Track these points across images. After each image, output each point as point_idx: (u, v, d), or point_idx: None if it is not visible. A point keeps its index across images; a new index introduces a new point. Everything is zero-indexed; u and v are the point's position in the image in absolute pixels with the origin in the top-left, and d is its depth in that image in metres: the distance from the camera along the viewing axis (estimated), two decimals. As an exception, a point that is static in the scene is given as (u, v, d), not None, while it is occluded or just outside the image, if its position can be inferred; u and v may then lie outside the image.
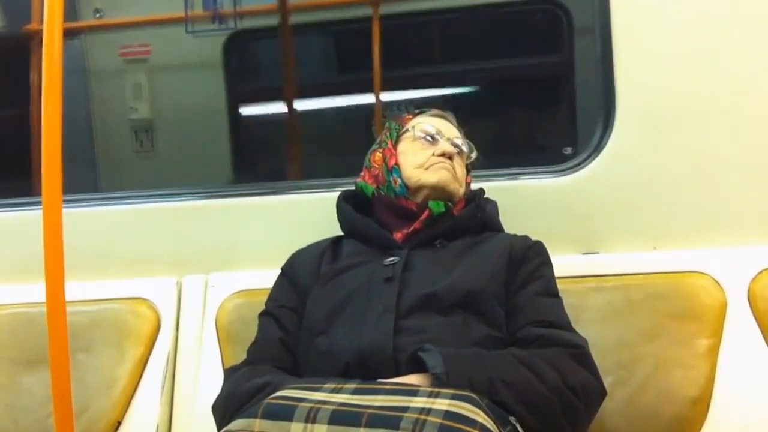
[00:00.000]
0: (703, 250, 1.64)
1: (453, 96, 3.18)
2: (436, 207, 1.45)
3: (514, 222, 1.58)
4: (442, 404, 1.00)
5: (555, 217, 1.72)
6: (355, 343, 1.29)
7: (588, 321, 1.54)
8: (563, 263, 1.54)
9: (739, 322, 1.53)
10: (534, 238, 1.49)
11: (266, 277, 1.59)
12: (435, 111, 1.60)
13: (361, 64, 2.89)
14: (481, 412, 1.02)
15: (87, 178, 3.10)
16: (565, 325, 1.35)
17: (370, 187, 1.52)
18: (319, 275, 1.46)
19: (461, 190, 1.53)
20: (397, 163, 1.50)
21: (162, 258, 1.89)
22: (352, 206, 1.55)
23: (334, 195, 1.59)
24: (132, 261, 1.90)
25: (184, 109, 3.09)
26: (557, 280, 1.44)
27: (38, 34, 2.73)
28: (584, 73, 2.69)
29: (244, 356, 1.45)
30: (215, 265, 1.85)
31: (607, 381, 1.31)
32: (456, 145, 1.53)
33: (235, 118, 3.20)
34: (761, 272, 1.56)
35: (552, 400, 1.20)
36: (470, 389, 1.11)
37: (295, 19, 2.98)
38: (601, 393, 1.29)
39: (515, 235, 1.51)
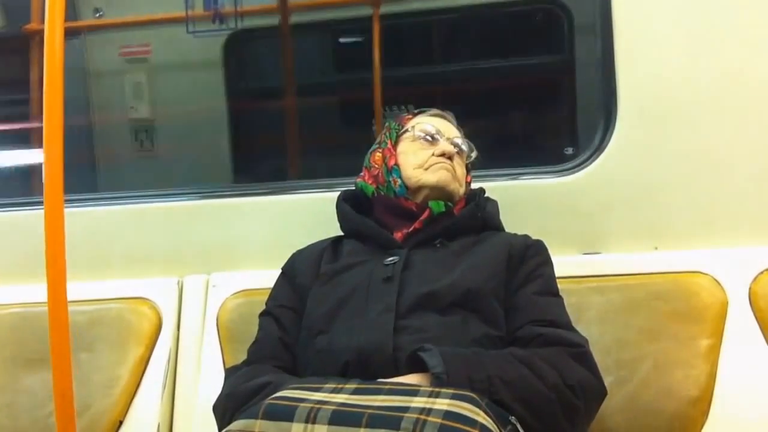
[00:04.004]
0: (704, 250, 1.64)
1: (453, 96, 3.18)
2: (437, 207, 1.45)
3: (514, 222, 1.58)
4: (443, 404, 1.01)
5: (556, 217, 1.72)
6: (355, 342, 1.29)
7: (589, 321, 1.55)
8: (564, 263, 1.54)
9: (740, 322, 1.53)
10: (534, 237, 1.49)
11: (267, 277, 1.59)
12: (435, 111, 1.59)
13: (361, 64, 2.89)
14: (481, 412, 1.02)
15: (87, 178, 3.10)
16: (565, 325, 1.35)
17: (370, 187, 1.52)
18: (319, 275, 1.46)
19: (461, 190, 1.53)
20: (396, 163, 1.50)
21: (163, 258, 1.89)
22: (352, 206, 1.55)
23: (334, 195, 1.59)
24: (133, 261, 1.90)
25: (184, 108, 3.09)
26: (558, 280, 1.44)
27: (38, 33, 2.73)
28: (585, 73, 2.69)
29: (244, 356, 1.45)
30: (216, 265, 1.85)
31: (607, 380, 1.31)
32: (456, 145, 1.53)
33: (235, 118, 3.20)
34: (762, 272, 1.57)
35: (551, 399, 1.20)
36: (470, 388, 1.11)
37: (295, 18, 2.98)
38: (602, 392, 1.29)
39: (515, 235, 1.52)
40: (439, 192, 1.47)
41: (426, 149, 1.50)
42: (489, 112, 3.11)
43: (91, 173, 3.17)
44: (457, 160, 1.51)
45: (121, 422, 1.69)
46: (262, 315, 1.50)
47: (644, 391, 1.50)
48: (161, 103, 3.15)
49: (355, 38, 3.19)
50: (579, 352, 1.28)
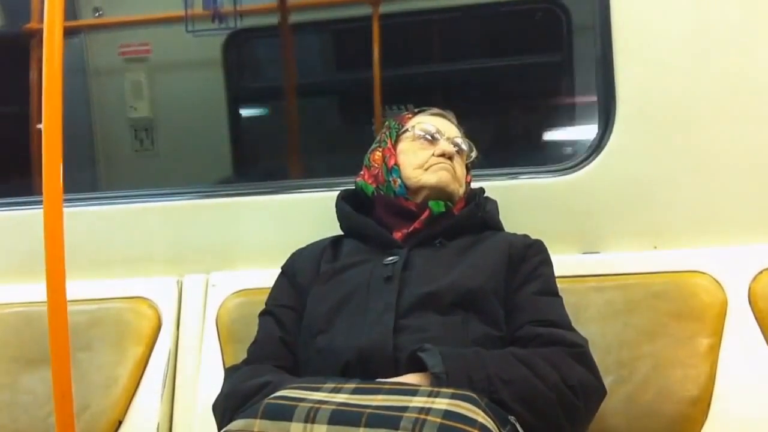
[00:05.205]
0: (704, 249, 1.64)
1: (452, 95, 3.18)
2: (436, 207, 1.45)
3: (514, 221, 1.58)
4: (442, 404, 1.01)
5: (555, 216, 1.72)
6: (355, 342, 1.29)
7: (588, 320, 1.54)
8: (563, 263, 1.54)
9: (740, 321, 1.53)
10: (534, 237, 1.49)
11: (267, 276, 1.59)
12: (435, 110, 1.59)
13: (360, 63, 2.89)
14: (480, 412, 1.02)
15: (87, 177, 3.10)
16: (565, 324, 1.35)
17: (370, 186, 1.52)
18: (319, 274, 1.46)
19: (461, 190, 1.53)
20: (396, 163, 1.50)
21: (162, 257, 1.89)
22: (351, 205, 1.55)
23: (333, 194, 1.59)
24: (132, 260, 1.90)
25: (184, 108, 3.09)
26: (558, 280, 1.44)
27: (38, 32, 2.73)
28: (584, 73, 2.70)
29: (244, 355, 1.45)
30: (216, 265, 1.85)
31: (607, 380, 1.32)
32: (456, 145, 1.52)
33: (234, 117, 3.20)
34: (762, 272, 1.56)
35: (551, 399, 1.20)
36: (469, 388, 1.11)
37: (294, 17, 2.98)
38: (601, 392, 1.29)
39: (515, 234, 1.52)
40: (439, 192, 1.47)
41: (426, 149, 1.50)
42: (488, 111, 3.11)
43: (91, 172, 3.17)
44: (457, 159, 1.51)
45: (120, 422, 1.69)
46: (261, 314, 1.50)
47: (644, 390, 1.50)
48: (161, 102, 3.15)
49: (355, 37, 3.18)
50: (579, 352, 1.28)
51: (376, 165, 1.53)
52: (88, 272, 1.82)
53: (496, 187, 1.65)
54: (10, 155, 2.78)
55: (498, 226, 1.55)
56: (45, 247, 1.29)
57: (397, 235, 1.47)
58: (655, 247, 1.69)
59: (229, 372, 1.42)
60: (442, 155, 1.48)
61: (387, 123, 1.60)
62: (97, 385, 1.71)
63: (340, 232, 1.57)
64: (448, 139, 1.52)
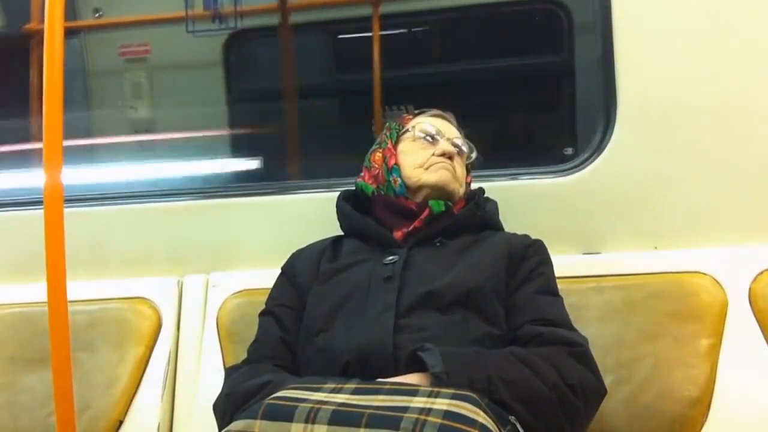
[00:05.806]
0: (704, 249, 1.64)
1: (452, 96, 3.18)
2: (436, 206, 1.45)
3: (514, 222, 1.58)
4: (442, 404, 1.01)
5: (556, 217, 1.72)
6: (355, 342, 1.29)
7: (588, 321, 1.54)
8: (564, 263, 1.55)
9: (740, 322, 1.53)
10: (534, 237, 1.49)
11: (267, 276, 1.59)
12: (435, 111, 1.60)
13: (361, 64, 2.89)
14: (481, 412, 1.02)
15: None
16: (565, 324, 1.35)
17: (370, 186, 1.52)
18: (319, 274, 1.46)
19: (461, 190, 1.53)
20: (397, 163, 1.50)
21: (163, 257, 1.89)
22: (352, 206, 1.55)
23: (334, 195, 1.59)
24: (133, 260, 1.90)
25: (184, 108, 3.09)
26: (558, 280, 1.44)
27: (38, 33, 2.73)
28: (585, 73, 2.69)
29: (244, 355, 1.46)
30: (216, 265, 1.85)
31: (607, 380, 1.31)
32: (456, 145, 1.53)
33: (235, 118, 3.20)
34: (762, 272, 1.57)
35: (551, 398, 1.20)
36: (469, 388, 1.11)
37: (295, 18, 2.98)
38: (601, 391, 1.29)
39: (515, 234, 1.52)
40: (439, 191, 1.47)
41: (426, 149, 1.50)
42: (489, 112, 3.11)
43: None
44: (457, 160, 1.52)
45: (121, 422, 1.69)
46: (262, 314, 1.50)
47: (644, 391, 1.50)
48: (161, 103, 3.15)
49: (355, 38, 3.18)
50: (579, 351, 1.28)
51: (377, 165, 1.53)
52: (88, 272, 1.82)
53: (496, 187, 1.65)
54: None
55: (498, 226, 1.55)
56: (45, 247, 1.28)
57: (397, 234, 1.47)
58: (656, 248, 1.69)
59: (230, 372, 1.42)
60: (443, 155, 1.48)
61: (387, 124, 1.61)
62: (97, 386, 1.71)
63: (340, 233, 1.57)
64: (448, 139, 1.52)
